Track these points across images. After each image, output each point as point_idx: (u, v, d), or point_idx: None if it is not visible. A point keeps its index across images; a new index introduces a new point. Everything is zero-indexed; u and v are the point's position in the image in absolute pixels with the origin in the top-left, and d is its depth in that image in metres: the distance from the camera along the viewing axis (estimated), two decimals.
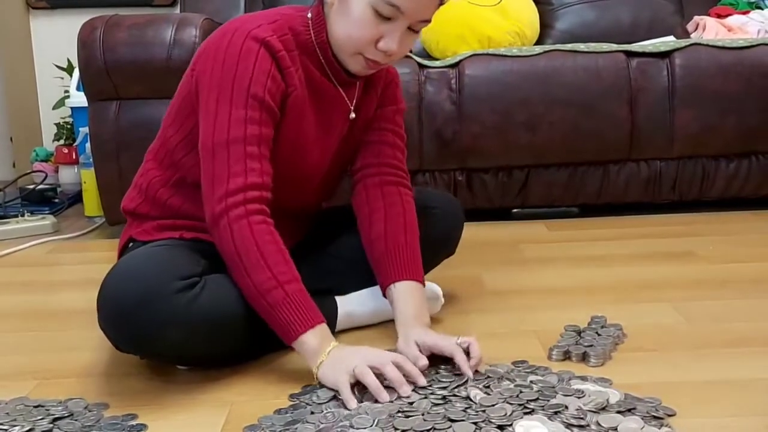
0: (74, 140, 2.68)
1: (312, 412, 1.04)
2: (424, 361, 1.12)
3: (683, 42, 2.24)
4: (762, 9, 2.65)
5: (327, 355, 1.10)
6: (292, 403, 1.09)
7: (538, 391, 1.06)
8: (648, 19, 2.65)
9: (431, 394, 1.07)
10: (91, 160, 2.25)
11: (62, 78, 3.04)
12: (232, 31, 1.17)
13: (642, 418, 0.98)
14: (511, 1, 2.45)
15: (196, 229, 1.26)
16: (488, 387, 1.08)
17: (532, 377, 1.12)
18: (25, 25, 3.18)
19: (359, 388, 1.07)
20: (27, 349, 1.38)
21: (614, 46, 2.22)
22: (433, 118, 2.18)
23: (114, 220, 2.17)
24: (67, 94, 2.77)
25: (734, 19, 2.56)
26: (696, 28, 2.60)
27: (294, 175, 1.28)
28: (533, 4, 2.57)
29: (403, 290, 1.26)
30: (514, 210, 2.30)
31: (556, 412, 1.00)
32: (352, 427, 0.98)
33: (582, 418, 0.98)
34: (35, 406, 1.09)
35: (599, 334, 1.29)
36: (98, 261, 1.92)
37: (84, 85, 2.11)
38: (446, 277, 1.51)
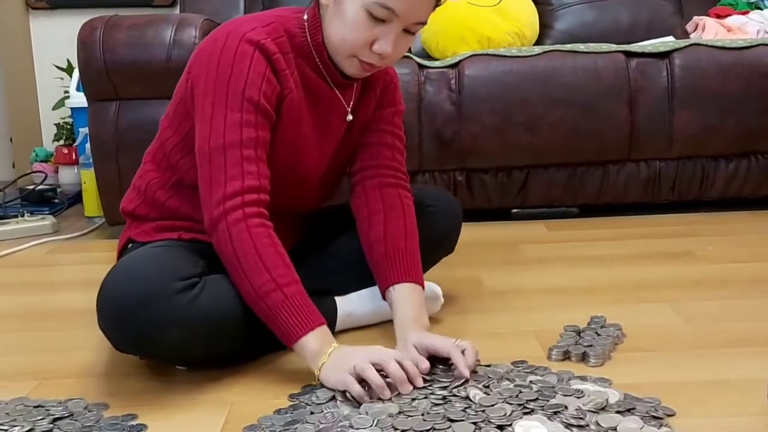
0: (74, 141, 2.68)
1: (312, 413, 1.04)
2: (425, 364, 1.12)
3: (683, 42, 2.24)
4: (761, 9, 2.65)
5: (328, 357, 1.10)
6: (291, 403, 1.09)
7: (538, 391, 1.06)
8: (647, 19, 2.65)
9: (431, 394, 1.07)
10: (90, 160, 2.25)
11: (62, 78, 3.04)
12: (226, 34, 1.17)
13: (641, 418, 0.99)
14: (510, 2, 2.45)
15: (195, 230, 1.26)
16: (488, 387, 1.08)
17: (531, 377, 1.12)
18: (25, 25, 3.18)
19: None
20: (27, 349, 1.38)
21: (614, 47, 2.22)
22: (433, 118, 2.19)
23: (114, 220, 2.17)
24: (66, 95, 2.78)
25: (734, 20, 2.56)
26: (695, 29, 2.60)
27: (292, 178, 1.28)
28: (533, 4, 2.57)
29: (402, 292, 1.26)
30: (514, 210, 2.30)
31: (555, 412, 1.00)
32: (351, 427, 0.99)
33: (581, 418, 0.98)
34: (35, 407, 1.09)
35: (599, 334, 1.29)
36: (98, 261, 1.92)
37: (84, 86, 2.11)
38: (446, 277, 1.51)
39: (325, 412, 1.03)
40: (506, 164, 2.23)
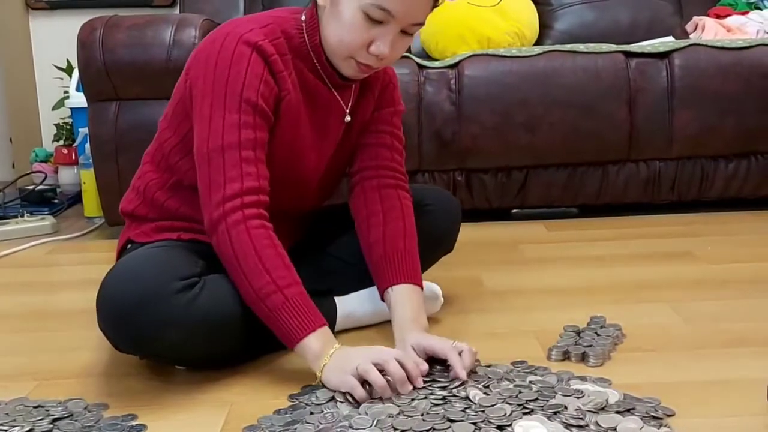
0: (74, 141, 2.68)
1: (311, 413, 1.04)
2: (424, 366, 1.12)
3: (682, 42, 2.24)
4: (761, 9, 2.65)
5: (330, 358, 1.10)
6: (291, 403, 1.09)
7: (538, 391, 1.06)
8: (647, 19, 2.65)
9: (431, 394, 1.07)
10: (90, 160, 2.25)
11: (62, 79, 3.04)
12: (224, 35, 1.17)
13: (641, 418, 0.99)
14: (510, 2, 2.45)
15: (194, 230, 1.26)
16: (487, 387, 1.08)
17: (531, 377, 1.12)
18: (25, 25, 3.18)
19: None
20: (27, 350, 1.38)
21: (613, 47, 2.22)
22: (433, 118, 2.19)
23: (113, 220, 2.17)
24: (66, 95, 2.78)
25: (733, 20, 2.56)
26: (695, 29, 2.60)
27: (291, 179, 1.28)
28: (532, 4, 2.57)
29: (401, 293, 1.25)
30: (514, 210, 2.30)
31: (555, 413, 1.00)
32: (351, 427, 0.99)
33: (581, 419, 0.98)
34: (35, 407, 1.09)
35: (598, 335, 1.29)
36: (98, 261, 1.92)
37: (83, 86, 2.11)
38: (446, 278, 1.51)
39: (325, 412, 1.03)
40: (506, 164, 2.23)
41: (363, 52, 1.16)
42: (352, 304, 1.37)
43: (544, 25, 2.64)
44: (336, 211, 1.45)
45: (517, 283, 1.66)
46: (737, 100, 2.18)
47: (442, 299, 1.43)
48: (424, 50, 2.53)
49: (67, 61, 2.98)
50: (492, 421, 0.98)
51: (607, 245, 1.95)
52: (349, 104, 1.30)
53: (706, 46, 2.21)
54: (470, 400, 1.05)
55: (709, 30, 2.52)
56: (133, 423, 1.05)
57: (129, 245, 1.32)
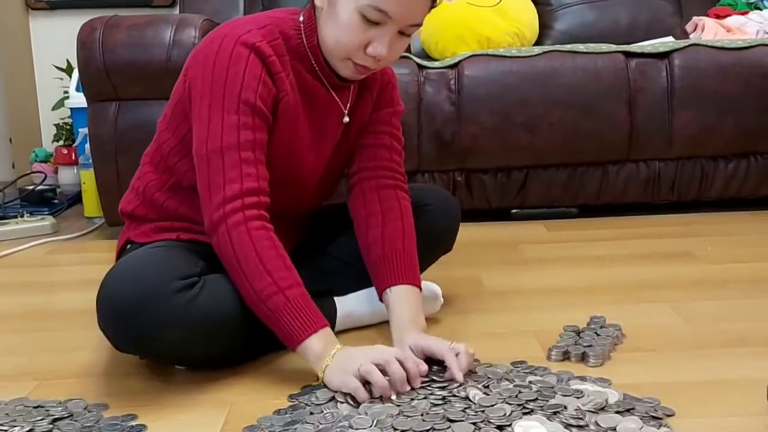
0: (73, 141, 2.68)
1: (311, 413, 1.04)
2: (424, 366, 1.12)
3: (682, 42, 2.24)
4: (761, 9, 2.65)
5: (331, 359, 1.10)
6: (291, 403, 1.09)
7: (537, 391, 1.06)
8: (647, 19, 2.65)
9: (431, 394, 1.07)
10: (90, 160, 2.25)
11: (61, 79, 3.04)
12: (222, 36, 1.17)
13: (641, 418, 0.99)
14: (510, 2, 2.45)
15: (194, 231, 1.26)
16: (487, 387, 1.08)
17: (531, 377, 1.12)
18: (25, 25, 3.18)
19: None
20: (27, 350, 1.38)
21: (613, 47, 2.22)
22: (432, 118, 2.19)
23: (113, 220, 2.17)
24: (66, 95, 2.78)
25: (733, 20, 2.56)
26: (695, 29, 2.60)
27: (289, 180, 1.27)
28: (532, 4, 2.57)
29: (399, 294, 1.25)
30: (514, 210, 2.30)
31: (555, 413, 1.00)
32: (351, 427, 0.99)
33: (581, 419, 0.98)
34: (35, 407, 1.09)
35: (598, 335, 1.29)
36: (98, 262, 1.92)
37: (83, 86, 2.11)
38: (446, 278, 1.51)
39: (325, 412, 1.03)
40: (506, 164, 2.24)
41: (360, 54, 1.15)
42: (351, 304, 1.37)
43: (544, 25, 2.64)
44: (335, 211, 1.44)
45: (517, 283, 1.66)
46: (737, 100, 2.18)
47: (441, 299, 1.43)
48: (423, 50, 2.53)
49: (67, 61, 2.98)
50: (492, 421, 0.98)
51: (607, 245, 1.95)
52: (348, 105, 1.30)
53: (706, 46, 2.21)
54: (470, 400, 1.05)
55: (708, 30, 2.52)
56: (133, 423, 1.05)
57: (128, 245, 1.32)
